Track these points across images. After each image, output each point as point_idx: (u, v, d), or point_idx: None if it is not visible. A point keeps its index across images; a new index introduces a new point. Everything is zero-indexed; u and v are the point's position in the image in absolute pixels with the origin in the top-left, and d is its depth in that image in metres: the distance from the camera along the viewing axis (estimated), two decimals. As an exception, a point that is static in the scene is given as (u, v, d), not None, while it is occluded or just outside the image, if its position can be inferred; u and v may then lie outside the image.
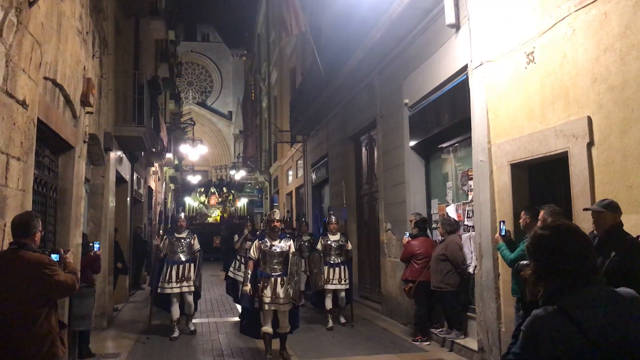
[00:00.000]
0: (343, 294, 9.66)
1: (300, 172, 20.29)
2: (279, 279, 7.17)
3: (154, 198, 20.40)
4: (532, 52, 5.84)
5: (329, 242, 9.77)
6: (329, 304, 9.58)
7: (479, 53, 6.89)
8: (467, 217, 7.97)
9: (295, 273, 7.26)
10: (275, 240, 7.36)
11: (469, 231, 7.85)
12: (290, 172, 23.13)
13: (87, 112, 7.45)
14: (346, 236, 10.10)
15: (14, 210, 4.44)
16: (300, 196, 20.58)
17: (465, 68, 7.33)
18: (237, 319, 10.64)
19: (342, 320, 9.62)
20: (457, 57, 7.56)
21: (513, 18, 6.20)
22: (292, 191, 22.62)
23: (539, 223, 5.21)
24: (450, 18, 7.51)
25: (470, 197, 7.81)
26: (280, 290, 7.11)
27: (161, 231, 14.14)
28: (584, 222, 4.83)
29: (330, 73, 12.54)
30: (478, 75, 6.92)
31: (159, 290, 8.75)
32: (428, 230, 8.78)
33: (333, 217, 10.08)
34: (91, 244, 7.80)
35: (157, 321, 9.30)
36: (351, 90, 12.32)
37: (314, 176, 17.70)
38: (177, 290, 8.70)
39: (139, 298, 13.76)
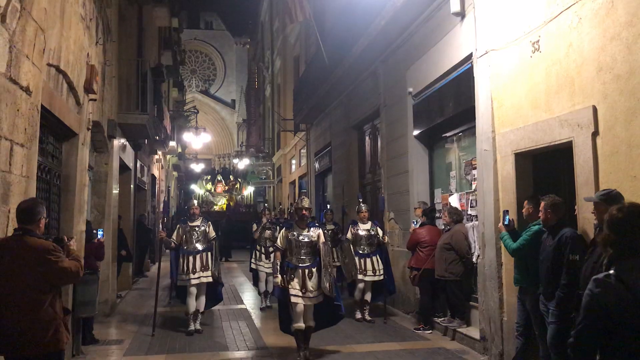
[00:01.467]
0: (370, 287, 9.01)
1: (304, 161, 20.30)
2: (307, 271, 6.75)
3: (157, 186, 20.43)
4: (538, 41, 5.80)
5: (358, 232, 9.15)
6: (358, 294, 9.04)
7: (484, 42, 6.85)
8: (471, 207, 7.97)
9: (328, 264, 6.84)
10: (303, 229, 6.95)
11: (472, 221, 7.85)
12: (294, 161, 23.14)
13: (91, 99, 7.44)
14: (378, 224, 9.46)
15: (18, 196, 4.44)
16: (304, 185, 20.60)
17: (470, 57, 7.29)
18: (242, 306, 10.70)
19: (367, 317, 8.92)
20: (462, 45, 7.52)
21: (518, 6, 6.15)
22: (295, 180, 22.64)
23: (540, 214, 5.22)
24: (455, 6, 7.47)
25: (473, 187, 7.80)
26: (310, 283, 6.70)
27: (164, 220, 14.02)
28: (588, 211, 4.85)
29: (334, 61, 12.50)
30: (483, 64, 6.88)
31: (178, 283, 8.44)
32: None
33: (363, 205, 9.39)
34: (95, 231, 7.83)
35: (168, 306, 9.11)
36: (355, 79, 12.29)
37: (317, 165, 17.70)
38: (195, 282, 8.23)
39: (142, 285, 13.83)
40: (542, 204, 5.17)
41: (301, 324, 6.67)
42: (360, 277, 8.97)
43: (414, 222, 8.62)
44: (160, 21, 17.26)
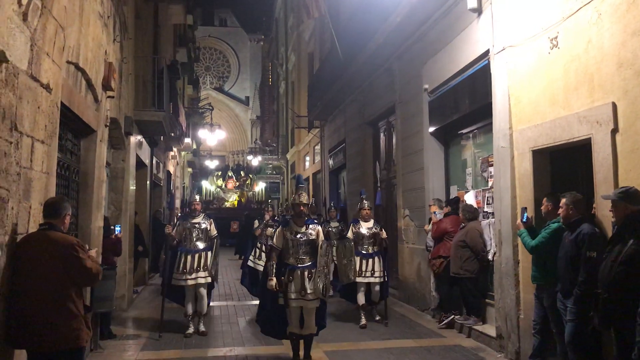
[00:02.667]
0: (377, 287, 8.65)
1: (318, 158, 20.31)
2: (306, 272, 6.28)
3: (172, 182, 20.55)
4: (556, 37, 5.75)
5: (361, 230, 8.70)
6: (361, 299, 8.53)
7: (501, 38, 6.81)
8: (487, 204, 7.93)
9: (325, 265, 6.35)
10: (301, 226, 6.45)
11: (488, 218, 7.81)
12: (308, 158, 23.16)
13: (109, 97, 7.50)
14: (380, 223, 9.05)
15: (39, 192, 4.50)
16: (317, 181, 20.61)
17: (486, 53, 7.24)
18: (255, 302, 10.67)
19: (377, 317, 8.65)
20: (479, 42, 7.47)
21: (536, 2, 6.10)
22: (309, 177, 22.64)
23: (560, 210, 5.18)
24: (472, 2, 7.41)
25: (490, 184, 7.76)
26: (308, 285, 6.24)
27: (177, 213, 13.96)
28: (606, 209, 4.81)
29: (348, 58, 12.47)
30: (500, 61, 6.84)
31: (172, 282, 7.93)
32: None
33: (366, 201, 8.95)
34: (112, 227, 7.89)
35: (168, 316, 8.48)
36: (370, 76, 12.26)
37: (331, 162, 17.70)
38: (191, 282, 7.85)
39: (158, 281, 13.90)
40: (564, 200, 5.13)
41: (296, 328, 6.33)
42: (360, 279, 8.51)
43: (435, 212, 8.54)
44: (175, 18, 17.33)
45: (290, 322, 6.35)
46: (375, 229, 8.73)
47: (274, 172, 31.17)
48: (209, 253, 8.03)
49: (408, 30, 9.49)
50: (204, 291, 8.01)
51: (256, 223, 10.44)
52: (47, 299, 3.78)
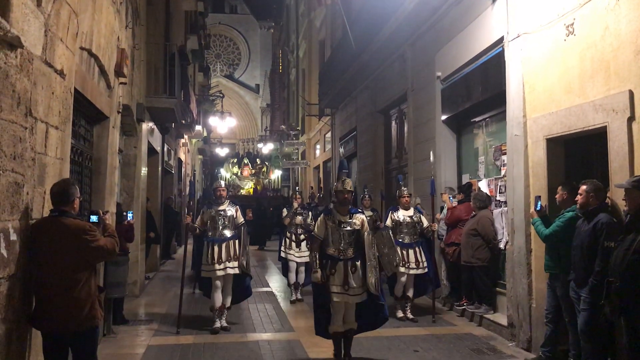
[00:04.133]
0: (413, 281, 8.10)
1: (329, 146, 20.28)
2: (349, 264, 5.84)
3: (183, 169, 20.62)
4: (572, 24, 5.68)
5: (399, 218, 8.16)
6: (399, 290, 8.07)
7: (516, 25, 6.73)
8: (500, 192, 7.89)
9: (373, 257, 5.94)
10: (345, 215, 5.97)
11: (500, 206, 7.78)
12: (318, 146, 23.15)
13: (121, 83, 7.51)
14: (421, 211, 8.46)
15: (53, 178, 4.52)
16: (328, 170, 20.60)
17: (501, 40, 7.17)
18: (268, 289, 10.74)
19: (410, 315, 7.99)
20: (493, 29, 7.40)
21: (553, -12, 6.02)
22: (319, 165, 22.64)
23: (579, 197, 5.12)
24: (486, -12, 7.35)
25: (503, 172, 7.72)
26: (352, 279, 5.80)
27: (190, 203, 13.65)
28: (619, 198, 4.77)
29: (360, 45, 12.41)
30: (514, 48, 6.76)
31: (202, 274, 7.61)
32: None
33: (405, 188, 8.43)
34: (125, 213, 7.91)
35: (194, 312, 8.40)
36: (382, 63, 12.19)
37: (342, 150, 17.67)
38: (220, 273, 7.40)
39: (169, 267, 14.03)
40: (584, 187, 5.07)
41: (339, 326, 5.88)
42: (402, 269, 7.97)
43: (450, 197, 8.48)
44: (186, 5, 17.33)
45: (334, 320, 5.87)
46: (415, 217, 8.18)
47: (294, 158, 30.69)
48: (237, 241, 7.59)
49: (421, 17, 9.43)
50: (230, 283, 7.58)
51: (284, 212, 9.99)
52: (61, 284, 3.83)
